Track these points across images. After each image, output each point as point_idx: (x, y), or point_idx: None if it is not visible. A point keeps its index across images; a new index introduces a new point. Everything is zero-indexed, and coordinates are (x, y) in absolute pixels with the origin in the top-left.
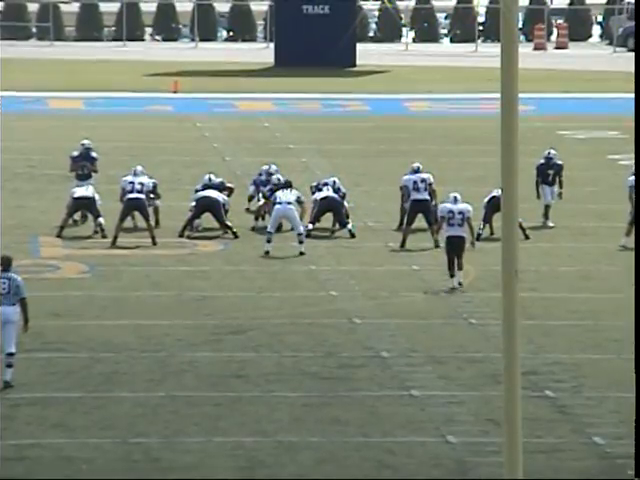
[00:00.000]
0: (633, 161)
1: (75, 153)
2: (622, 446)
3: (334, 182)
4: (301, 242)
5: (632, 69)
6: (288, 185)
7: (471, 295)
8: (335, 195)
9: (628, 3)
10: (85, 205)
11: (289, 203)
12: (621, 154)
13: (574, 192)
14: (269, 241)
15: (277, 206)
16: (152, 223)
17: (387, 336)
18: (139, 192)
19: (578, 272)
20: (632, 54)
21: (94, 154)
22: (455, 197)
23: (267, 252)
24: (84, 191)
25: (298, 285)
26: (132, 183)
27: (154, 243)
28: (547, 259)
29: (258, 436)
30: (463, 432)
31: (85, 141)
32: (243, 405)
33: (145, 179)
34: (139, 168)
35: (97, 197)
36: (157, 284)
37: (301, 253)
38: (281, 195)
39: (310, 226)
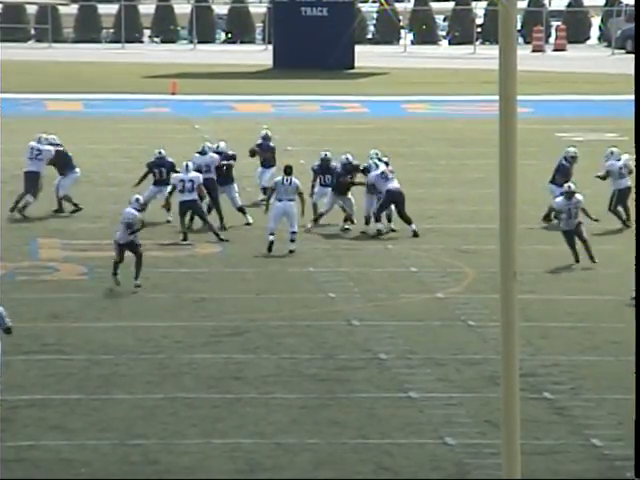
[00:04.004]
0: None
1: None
2: (620, 448)
3: (347, 158)
4: (292, 240)
5: (631, 71)
6: (288, 172)
7: (469, 297)
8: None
9: (626, 5)
10: (191, 207)
11: (290, 200)
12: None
13: None
14: (272, 234)
15: (278, 203)
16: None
17: (385, 338)
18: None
19: (576, 274)
20: (631, 56)
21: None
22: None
23: (271, 242)
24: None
25: (296, 287)
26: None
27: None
28: (545, 261)
29: (256, 438)
30: (462, 434)
31: (221, 144)
32: (241, 407)
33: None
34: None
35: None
36: (155, 286)
37: (290, 251)
38: (282, 190)
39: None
